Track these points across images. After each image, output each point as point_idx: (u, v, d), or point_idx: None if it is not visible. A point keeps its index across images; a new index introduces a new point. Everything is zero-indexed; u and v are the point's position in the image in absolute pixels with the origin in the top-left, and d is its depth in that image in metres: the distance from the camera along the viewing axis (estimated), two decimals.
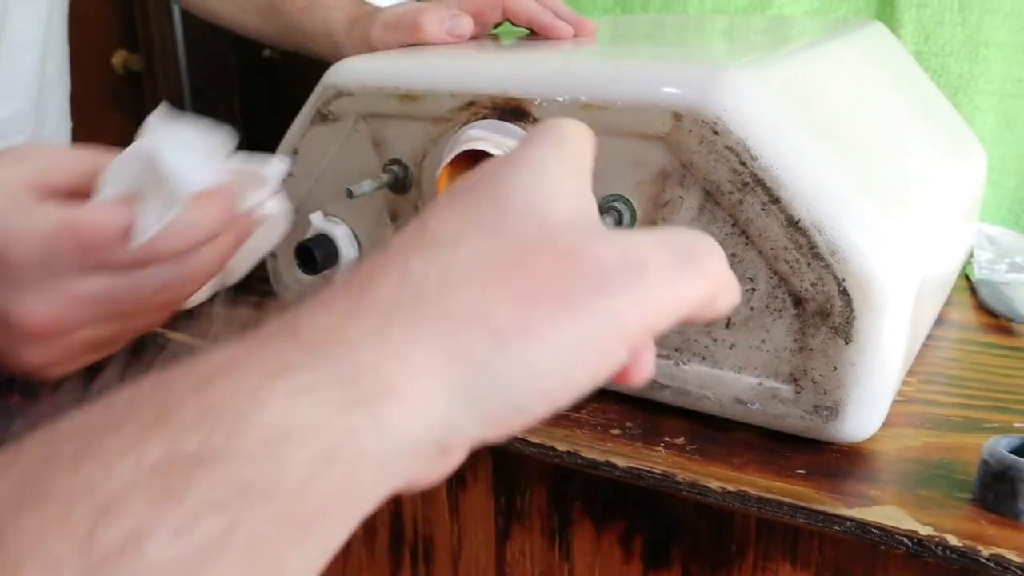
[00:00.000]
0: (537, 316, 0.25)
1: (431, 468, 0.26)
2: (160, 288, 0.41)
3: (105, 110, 1.84)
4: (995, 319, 0.67)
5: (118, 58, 1.77)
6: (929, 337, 0.63)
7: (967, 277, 0.75)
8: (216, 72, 1.84)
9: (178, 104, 1.82)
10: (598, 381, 0.26)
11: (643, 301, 0.26)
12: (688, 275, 0.27)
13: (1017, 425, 0.51)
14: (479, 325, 0.24)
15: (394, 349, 0.24)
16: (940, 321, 0.66)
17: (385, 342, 0.24)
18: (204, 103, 1.84)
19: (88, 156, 0.43)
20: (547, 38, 0.66)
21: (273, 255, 0.68)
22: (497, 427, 0.25)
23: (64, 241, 0.39)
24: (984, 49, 0.85)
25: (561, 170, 0.29)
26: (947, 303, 0.69)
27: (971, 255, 0.77)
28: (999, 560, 0.40)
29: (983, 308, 0.69)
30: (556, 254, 0.26)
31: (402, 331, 0.24)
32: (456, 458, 0.27)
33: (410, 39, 0.65)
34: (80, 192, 0.42)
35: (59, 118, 0.75)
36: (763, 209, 0.46)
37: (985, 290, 0.71)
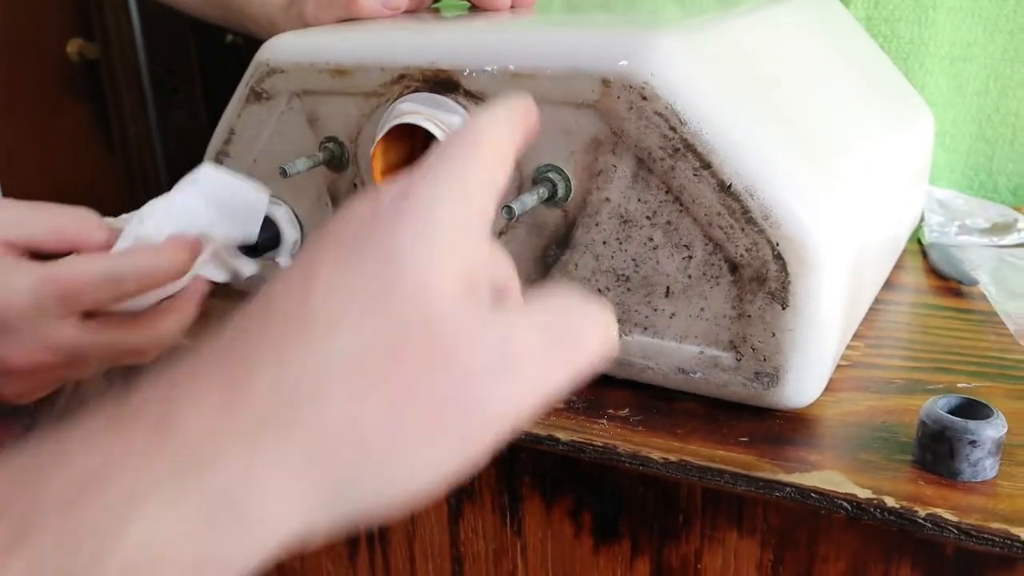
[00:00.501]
0: (406, 431, 0.25)
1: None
2: (126, 349, 0.47)
3: (61, 100, 1.81)
4: (945, 281, 0.67)
5: (73, 46, 1.74)
6: (878, 301, 0.63)
7: (919, 241, 0.75)
8: (176, 58, 1.82)
9: (138, 91, 1.80)
10: (462, 473, 0.27)
11: (516, 397, 0.26)
12: (564, 358, 0.28)
13: (960, 386, 0.51)
14: (348, 438, 0.25)
15: (262, 470, 0.24)
16: (890, 285, 0.66)
17: (255, 460, 0.24)
18: (165, 89, 1.81)
19: (41, 214, 0.48)
20: (485, 10, 0.65)
21: None
22: (355, 521, 0.26)
23: (47, 293, 0.44)
24: (934, 13, 0.84)
25: (457, 217, 0.27)
26: (898, 267, 0.69)
27: (922, 219, 0.76)
28: (935, 520, 0.40)
29: (933, 271, 0.69)
30: (433, 350, 0.25)
31: (273, 448, 0.24)
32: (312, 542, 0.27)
33: (345, 14, 0.63)
34: (34, 247, 0.47)
35: None
36: (695, 175, 0.45)
37: (935, 253, 0.71)
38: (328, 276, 0.26)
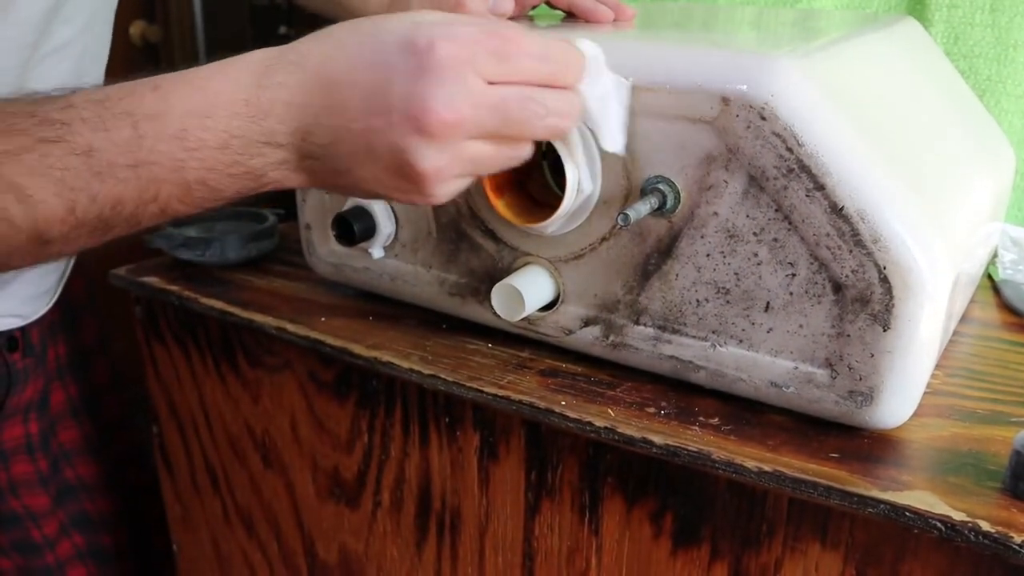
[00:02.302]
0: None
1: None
2: (543, 112, 0.44)
3: (120, 81, 1.84)
4: (1018, 318, 0.68)
5: (136, 28, 1.77)
6: (955, 333, 0.64)
7: (990, 276, 0.76)
8: (233, 47, 1.85)
9: None
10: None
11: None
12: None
13: None
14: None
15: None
16: (963, 319, 0.67)
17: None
18: None
19: None
20: (587, 21, 0.66)
21: (308, 226, 0.69)
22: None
23: (485, 43, 0.43)
24: (1013, 51, 0.85)
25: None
26: (971, 301, 0.70)
27: (995, 255, 0.77)
28: None
29: (1006, 307, 0.70)
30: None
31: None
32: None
33: None
34: None
35: None
36: (807, 195, 0.46)
37: (1009, 290, 0.72)
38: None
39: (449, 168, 0.44)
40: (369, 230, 0.63)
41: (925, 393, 0.55)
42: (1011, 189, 0.77)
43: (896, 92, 0.59)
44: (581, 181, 0.52)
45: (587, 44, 0.47)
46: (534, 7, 0.71)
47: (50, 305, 0.83)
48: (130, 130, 0.43)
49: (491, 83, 0.43)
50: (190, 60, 1.79)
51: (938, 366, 0.59)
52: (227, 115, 0.43)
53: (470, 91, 0.42)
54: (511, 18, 0.68)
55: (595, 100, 0.47)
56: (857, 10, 0.93)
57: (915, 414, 0.51)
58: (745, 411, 0.52)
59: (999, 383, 0.58)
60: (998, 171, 0.69)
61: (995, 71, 0.86)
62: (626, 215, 0.48)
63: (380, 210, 0.63)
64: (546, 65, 0.44)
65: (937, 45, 0.86)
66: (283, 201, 0.79)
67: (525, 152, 0.46)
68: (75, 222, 0.44)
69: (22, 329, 0.79)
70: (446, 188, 0.45)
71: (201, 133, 0.43)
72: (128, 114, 0.43)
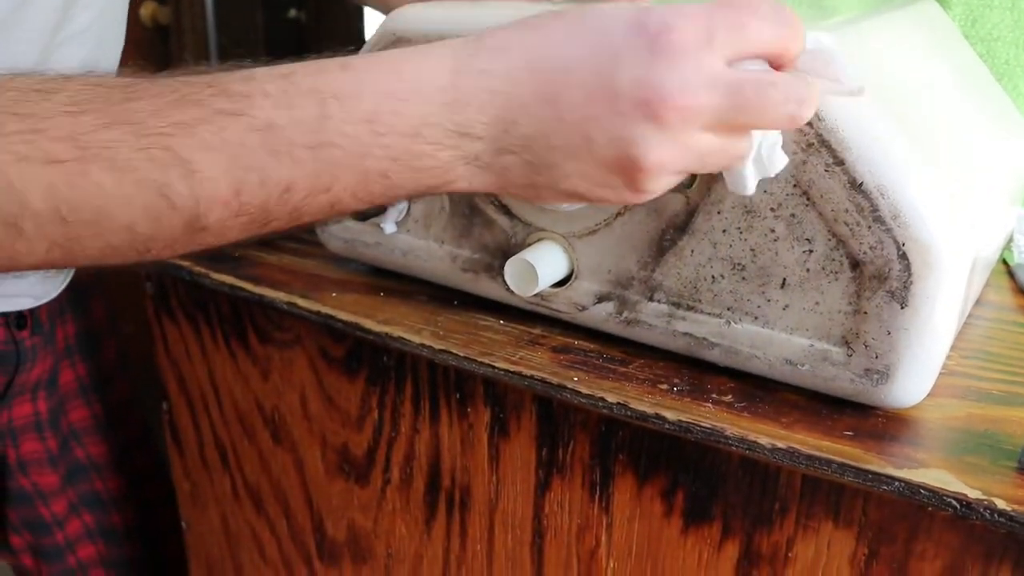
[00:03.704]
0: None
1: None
2: (782, 98, 0.40)
3: (131, 62, 1.83)
4: None
5: (146, 10, 1.77)
6: (970, 316, 0.63)
7: (1004, 261, 0.76)
8: (243, 29, 1.84)
9: (204, 59, 1.82)
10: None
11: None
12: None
13: None
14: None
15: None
16: (979, 302, 0.66)
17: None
18: (230, 60, 1.84)
19: None
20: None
21: None
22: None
23: (720, 18, 0.39)
24: None
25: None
26: (986, 284, 0.70)
27: (1011, 239, 0.77)
28: None
29: (1021, 291, 0.70)
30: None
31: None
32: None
33: None
34: None
35: None
36: (826, 170, 0.46)
37: (1023, 273, 0.71)
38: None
39: (674, 161, 0.40)
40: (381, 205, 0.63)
41: (940, 374, 0.54)
42: None
43: (915, 72, 0.58)
44: None
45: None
46: None
47: (64, 286, 0.83)
48: (317, 108, 0.39)
49: (729, 63, 0.40)
50: (200, 42, 1.79)
51: (953, 348, 0.58)
52: (422, 101, 0.40)
53: (708, 75, 0.39)
54: None
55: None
56: None
57: (930, 394, 0.51)
58: (758, 389, 0.52)
59: (1015, 365, 0.57)
60: (1016, 155, 0.68)
61: (1013, 55, 0.85)
62: None
63: None
64: (781, 28, 0.41)
65: (956, 28, 0.85)
66: None
67: (745, 147, 0.43)
68: (237, 208, 0.40)
69: (31, 308, 0.80)
70: (661, 184, 0.42)
71: (392, 119, 0.40)
72: (316, 91, 0.40)
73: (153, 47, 1.80)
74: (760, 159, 0.44)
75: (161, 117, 0.38)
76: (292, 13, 1.77)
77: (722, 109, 0.39)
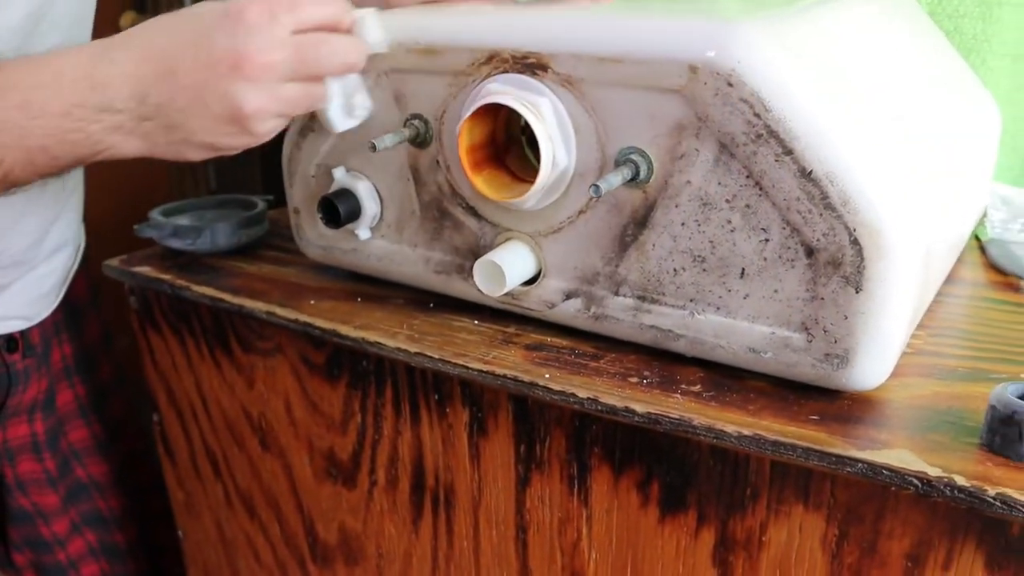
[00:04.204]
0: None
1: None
2: (332, 51, 0.54)
3: None
4: (1004, 276, 0.68)
5: (127, 20, 1.77)
6: (940, 294, 0.64)
7: (976, 236, 0.76)
8: None
9: None
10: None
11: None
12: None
13: None
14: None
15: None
16: (950, 279, 0.67)
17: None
18: None
19: None
20: None
21: (296, 210, 0.69)
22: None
23: (279, 2, 0.52)
24: (999, 10, 0.85)
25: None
26: (958, 261, 0.70)
27: (985, 214, 0.77)
28: (1005, 499, 0.42)
29: (992, 266, 0.70)
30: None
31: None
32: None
33: None
34: None
35: None
36: (776, 160, 0.47)
37: (994, 248, 0.72)
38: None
39: (269, 106, 0.52)
40: (354, 211, 0.64)
41: (907, 353, 0.55)
42: (998, 148, 0.77)
43: (874, 54, 0.59)
44: (556, 155, 0.52)
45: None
46: None
47: (55, 306, 0.84)
48: None
49: (295, 32, 0.52)
50: None
51: (922, 326, 0.59)
52: (70, 87, 0.52)
53: (276, 39, 0.51)
54: None
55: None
56: None
57: (896, 374, 0.52)
58: (727, 378, 0.53)
59: (982, 341, 0.58)
60: (983, 131, 0.69)
61: (980, 30, 0.85)
62: (597, 187, 0.48)
63: (364, 190, 0.64)
64: (328, 7, 0.54)
65: (922, 6, 0.86)
66: (272, 188, 0.80)
67: (322, 93, 0.55)
68: None
69: (22, 330, 0.80)
70: (267, 126, 0.53)
71: (43, 104, 0.52)
72: None
73: None
74: (349, 104, 0.58)
75: None
76: None
77: (292, 62, 0.52)
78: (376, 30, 0.58)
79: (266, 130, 0.54)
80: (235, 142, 0.54)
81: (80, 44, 0.74)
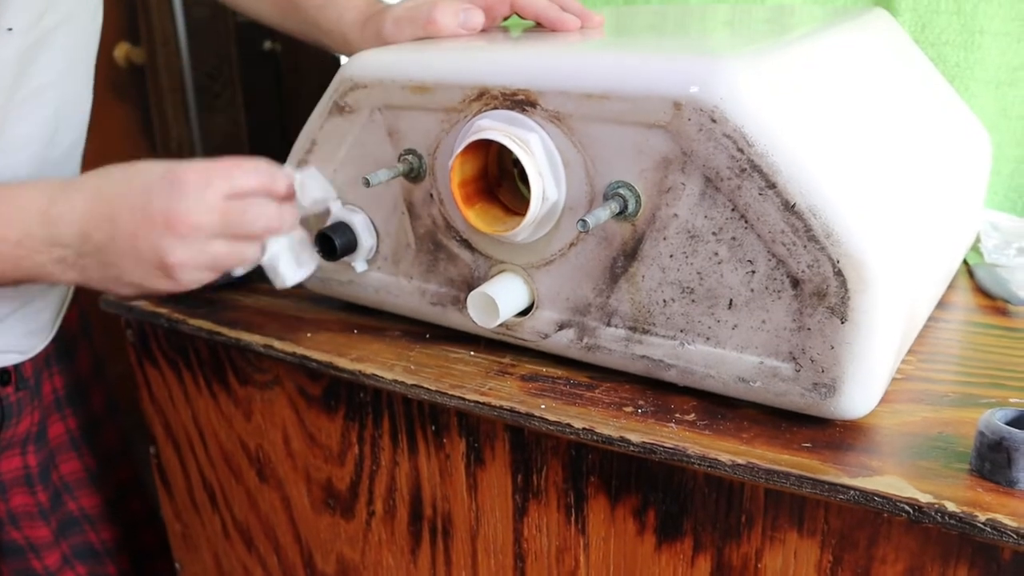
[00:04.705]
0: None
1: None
2: (257, 217, 0.59)
3: (107, 103, 1.85)
4: (992, 301, 0.69)
5: (120, 51, 1.78)
6: (930, 319, 0.65)
7: (965, 261, 0.77)
8: (218, 64, 1.86)
9: (181, 96, 1.84)
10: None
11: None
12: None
13: (1013, 400, 0.53)
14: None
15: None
16: (941, 304, 0.68)
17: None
18: (207, 95, 1.86)
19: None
20: (555, 30, 0.68)
21: None
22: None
23: (216, 170, 0.57)
24: (980, 37, 0.86)
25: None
26: (949, 287, 0.71)
27: (977, 240, 0.78)
28: (995, 525, 0.42)
29: (980, 290, 0.71)
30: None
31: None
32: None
33: (423, 32, 0.67)
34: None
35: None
36: (760, 194, 0.48)
37: (982, 273, 0.73)
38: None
39: (193, 259, 0.57)
40: (350, 244, 0.65)
41: (897, 379, 0.56)
42: (989, 175, 0.78)
43: (860, 85, 0.60)
44: (546, 189, 0.53)
45: (296, 170, 0.63)
46: (505, 19, 0.73)
47: (49, 339, 0.84)
48: None
49: (228, 198, 0.57)
50: (176, 79, 1.81)
51: (912, 352, 0.60)
52: (24, 220, 0.59)
53: (207, 203, 0.56)
54: (483, 31, 0.69)
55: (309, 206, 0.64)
56: (826, 3, 0.94)
57: (887, 400, 0.52)
58: (720, 406, 0.54)
59: (971, 366, 0.59)
60: (972, 159, 0.70)
61: (963, 57, 0.87)
62: (584, 221, 0.49)
63: (360, 224, 0.65)
64: (260, 176, 0.59)
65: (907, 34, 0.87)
66: None
67: (254, 251, 0.60)
68: None
69: (15, 363, 0.81)
70: (192, 276, 0.59)
71: (4, 231, 0.59)
72: None
73: (130, 88, 1.82)
74: (299, 258, 0.63)
75: None
76: (267, 45, 1.78)
77: (220, 224, 0.57)
78: (316, 191, 0.63)
79: (191, 279, 0.59)
80: (162, 286, 0.59)
81: (78, 88, 0.78)
